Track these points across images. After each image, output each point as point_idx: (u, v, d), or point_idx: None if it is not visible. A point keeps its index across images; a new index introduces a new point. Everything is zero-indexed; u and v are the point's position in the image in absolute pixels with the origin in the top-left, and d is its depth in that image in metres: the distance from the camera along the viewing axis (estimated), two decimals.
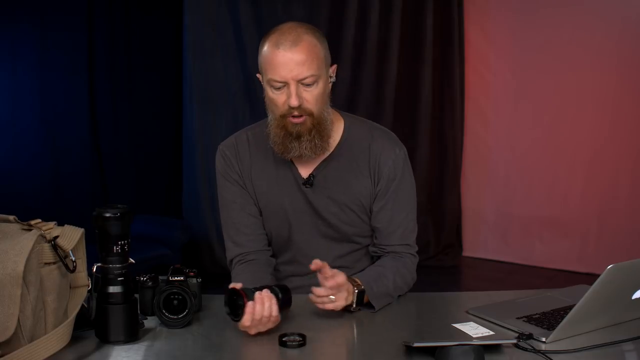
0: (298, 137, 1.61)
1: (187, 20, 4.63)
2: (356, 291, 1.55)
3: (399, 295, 1.70)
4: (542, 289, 1.79)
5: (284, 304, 1.44)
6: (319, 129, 1.62)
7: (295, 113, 1.58)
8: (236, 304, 1.38)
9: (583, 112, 4.91)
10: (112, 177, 4.99)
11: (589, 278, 1.55)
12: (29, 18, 4.64)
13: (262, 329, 1.40)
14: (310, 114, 1.60)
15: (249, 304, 1.37)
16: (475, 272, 5.27)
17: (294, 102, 1.56)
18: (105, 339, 1.35)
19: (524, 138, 5.19)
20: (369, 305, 1.59)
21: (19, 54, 4.68)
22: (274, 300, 1.40)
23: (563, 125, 5.00)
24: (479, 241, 5.47)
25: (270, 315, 1.38)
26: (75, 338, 1.33)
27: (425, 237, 5.24)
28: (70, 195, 4.79)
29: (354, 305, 1.55)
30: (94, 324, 1.36)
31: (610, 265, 1.30)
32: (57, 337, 1.24)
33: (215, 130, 4.72)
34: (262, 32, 4.66)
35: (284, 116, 1.60)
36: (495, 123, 5.35)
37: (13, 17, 4.61)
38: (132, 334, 1.36)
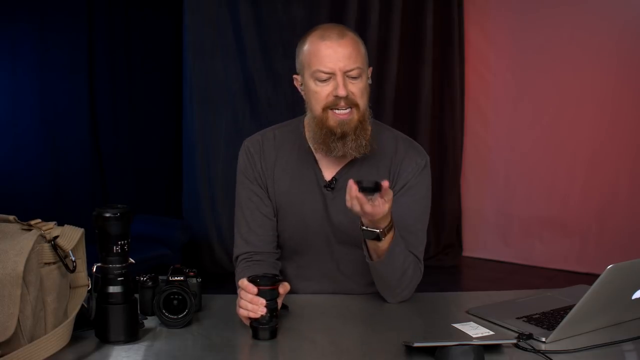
0: (343, 136, 1.60)
1: (187, 21, 4.63)
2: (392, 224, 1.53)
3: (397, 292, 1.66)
4: (542, 289, 1.79)
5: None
6: (364, 126, 1.61)
7: (342, 104, 1.58)
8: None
9: (583, 112, 4.92)
10: (112, 177, 4.99)
11: (589, 278, 1.54)
12: (29, 18, 4.64)
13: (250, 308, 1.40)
14: (357, 106, 1.59)
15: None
16: (475, 272, 5.27)
17: (342, 91, 1.56)
18: (105, 339, 1.35)
19: (524, 138, 5.19)
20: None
21: (19, 54, 4.68)
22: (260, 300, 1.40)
23: (563, 125, 5.01)
24: (479, 241, 5.47)
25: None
26: (75, 338, 1.32)
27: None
28: (70, 196, 4.79)
29: (382, 236, 1.51)
30: (94, 324, 1.36)
31: (610, 265, 1.30)
32: (57, 337, 1.24)
33: (215, 130, 4.72)
34: (262, 32, 4.75)
35: (326, 109, 1.59)
36: (495, 123, 5.35)
37: (13, 17, 4.61)
38: (132, 334, 1.36)
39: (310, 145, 1.68)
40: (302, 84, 1.66)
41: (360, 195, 1.42)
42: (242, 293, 1.41)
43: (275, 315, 1.40)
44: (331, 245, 1.73)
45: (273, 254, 1.74)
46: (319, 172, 1.71)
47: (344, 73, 1.57)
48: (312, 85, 1.60)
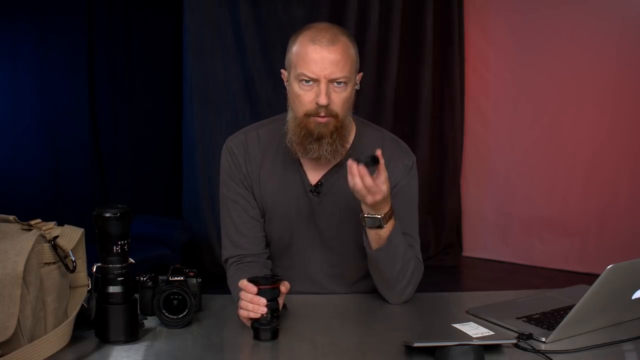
0: (319, 138, 1.58)
1: (187, 20, 4.63)
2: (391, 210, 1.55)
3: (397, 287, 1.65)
4: (542, 289, 1.79)
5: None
6: (341, 133, 1.60)
7: (322, 113, 1.56)
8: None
9: (583, 112, 4.92)
10: (112, 177, 4.99)
11: (589, 278, 1.54)
12: (29, 18, 4.64)
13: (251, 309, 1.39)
14: (335, 116, 1.58)
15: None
16: (475, 272, 5.27)
17: (323, 100, 1.54)
18: (105, 339, 1.35)
19: (524, 138, 5.20)
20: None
21: (19, 54, 4.67)
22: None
23: (563, 125, 5.01)
24: (479, 241, 5.47)
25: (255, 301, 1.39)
26: (75, 338, 1.32)
27: (425, 237, 5.24)
28: (70, 196, 4.79)
29: (383, 222, 1.53)
30: (94, 324, 1.36)
31: (610, 265, 1.30)
32: (57, 337, 1.24)
33: (215, 130, 4.72)
34: (262, 32, 4.75)
35: (307, 115, 1.58)
36: (495, 123, 5.35)
37: (13, 17, 4.61)
38: (132, 334, 1.36)
39: (293, 149, 1.65)
40: (287, 81, 1.65)
41: (361, 167, 1.44)
42: (242, 294, 1.41)
43: (277, 316, 1.40)
44: (316, 248, 1.73)
45: (263, 254, 1.74)
46: (304, 176, 1.69)
47: (329, 81, 1.55)
48: (296, 87, 1.58)
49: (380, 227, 1.54)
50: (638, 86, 4.70)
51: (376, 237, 1.57)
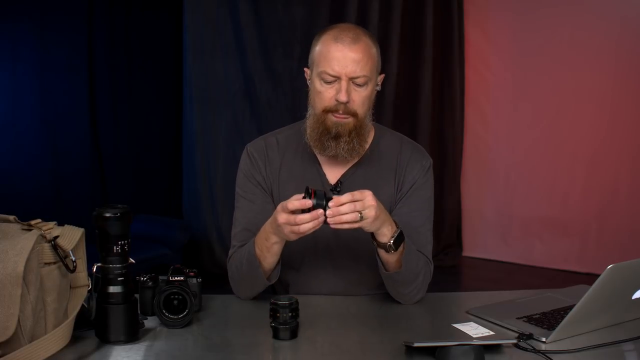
0: (337, 137, 1.60)
1: (187, 21, 4.63)
2: (399, 230, 1.52)
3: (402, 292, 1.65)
4: (542, 289, 1.79)
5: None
6: (359, 132, 1.61)
7: (340, 110, 1.58)
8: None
9: (582, 112, 4.92)
10: (112, 177, 4.99)
11: (589, 278, 1.55)
12: (29, 18, 4.64)
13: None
14: (355, 115, 1.60)
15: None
16: (475, 272, 5.27)
17: (343, 97, 1.56)
18: (105, 339, 1.35)
19: (524, 138, 5.20)
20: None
21: (19, 54, 4.67)
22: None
23: (563, 125, 5.01)
24: (479, 241, 5.47)
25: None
26: (75, 338, 1.33)
27: None
28: (70, 196, 4.79)
29: (391, 242, 1.50)
30: (94, 324, 1.36)
31: (610, 265, 1.30)
32: (57, 337, 1.24)
33: (215, 130, 4.72)
34: (262, 32, 4.75)
35: (326, 111, 1.60)
36: (495, 123, 5.35)
37: (13, 17, 4.61)
38: (132, 334, 1.36)
39: (311, 145, 1.67)
40: (309, 79, 1.67)
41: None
42: (297, 218, 1.40)
43: (296, 315, 1.40)
44: (332, 250, 1.72)
45: None
46: (323, 176, 1.71)
47: (350, 79, 1.56)
48: (317, 84, 1.60)
49: (386, 250, 1.52)
50: (637, 86, 4.70)
51: (387, 259, 1.56)
